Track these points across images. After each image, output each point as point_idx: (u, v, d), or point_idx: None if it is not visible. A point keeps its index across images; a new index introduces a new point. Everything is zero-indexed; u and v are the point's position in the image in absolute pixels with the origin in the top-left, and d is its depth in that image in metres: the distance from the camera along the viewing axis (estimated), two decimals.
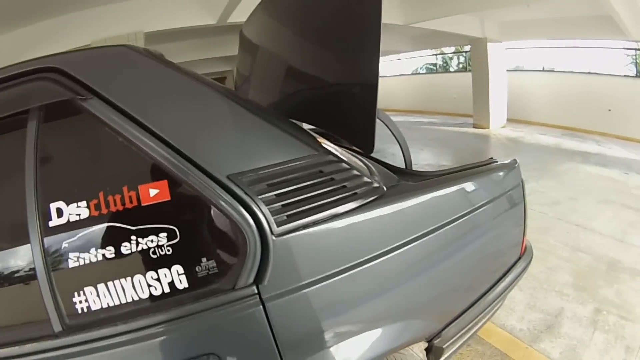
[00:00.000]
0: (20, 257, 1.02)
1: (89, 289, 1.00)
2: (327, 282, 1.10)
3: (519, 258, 1.83)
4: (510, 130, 10.31)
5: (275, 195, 1.08)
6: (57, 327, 0.99)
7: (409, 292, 1.31)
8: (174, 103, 1.17)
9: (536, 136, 9.22)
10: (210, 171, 1.05)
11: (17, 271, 1.03)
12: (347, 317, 1.17)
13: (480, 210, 1.54)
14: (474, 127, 10.97)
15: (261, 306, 1.04)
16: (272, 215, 1.05)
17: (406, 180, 1.55)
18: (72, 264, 1.00)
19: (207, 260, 1.04)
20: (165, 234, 1.02)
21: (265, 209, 1.05)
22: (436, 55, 16.94)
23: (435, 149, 8.67)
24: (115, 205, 1.02)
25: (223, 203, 1.03)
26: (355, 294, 1.17)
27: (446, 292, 1.48)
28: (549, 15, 9.09)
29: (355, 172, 1.24)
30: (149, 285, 1.01)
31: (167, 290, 1.02)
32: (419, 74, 16.83)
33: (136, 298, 1.01)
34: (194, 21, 6.64)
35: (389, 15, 8.69)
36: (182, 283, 1.02)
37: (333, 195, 1.15)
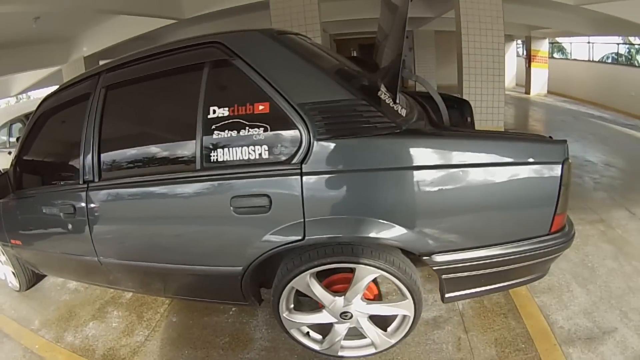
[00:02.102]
0: (189, 128, 2.08)
1: (221, 150, 2.03)
2: (342, 174, 1.93)
3: (547, 234, 1.99)
4: None
5: (322, 117, 1.90)
6: (198, 166, 2.06)
7: (401, 202, 1.92)
8: (278, 66, 2.01)
9: None
10: (289, 100, 1.93)
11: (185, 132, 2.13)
12: (343, 202, 1.94)
13: (479, 168, 1.89)
14: None
15: (299, 176, 1.90)
16: (317, 128, 1.89)
17: (432, 130, 2.15)
18: (215, 135, 2.03)
19: (281, 146, 1.95)
20: (262, 129, 1.96)
21: (313, 123, 1.90)
22: (624, 44, 14.84)
23: (589, 144, 8.11)
24: (242, 111, 1.99)
25: (293, 117, 1.92)
26: (356, 187, 1.94)
27: (432, 217, 1.97)
28: None
29: (379, 114, 1.90)
30: (249, 153, 1.98)
31: (257, 157, 1.97)
32: (605, 62, 15.02)
33: (245, 157, 1.99)
34: None
35: None
36: (264, 154, 1.97)
37: (359, 124, 1.89)
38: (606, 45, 14.76)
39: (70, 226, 2.56)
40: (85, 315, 3.21)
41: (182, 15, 8.41)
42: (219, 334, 2.80)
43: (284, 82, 1.96)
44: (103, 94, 2.38)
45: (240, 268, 2.12)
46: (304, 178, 1.90)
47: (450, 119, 3.39)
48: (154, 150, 2.26)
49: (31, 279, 3.65)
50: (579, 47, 15.86)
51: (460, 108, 3.57)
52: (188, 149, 2.09)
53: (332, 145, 1.90)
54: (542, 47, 15.78)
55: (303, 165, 1.90)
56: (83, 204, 2.41)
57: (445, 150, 1.88)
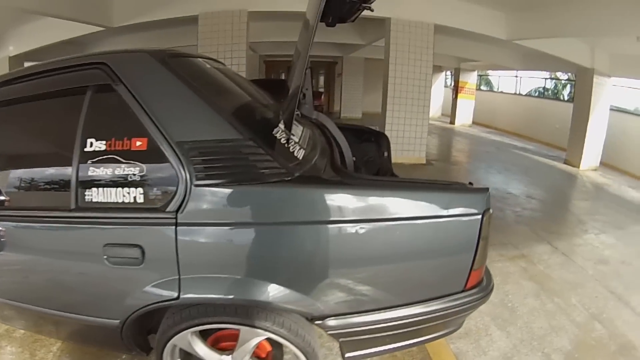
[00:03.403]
0: (66, 162, 1.78)
1: (96, 189, 1.74)
2: (219, 227, 1.69)
3: (462, 291, 1.83)
4: (600, 174, 9.56)
5: (202, 159, 1.65)
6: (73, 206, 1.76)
7: (285, 261, 1.73)
8: (161, 96, 1.77)
9: (624, 188, 8.47)
10: (167, 137, 1.67)
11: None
12: (221, 259, 1.71)
13: (380, 223, 1.70)
14: (564, 163, 10.34)
15: (174, 226, 1.65)
16: (195, 172, 1.64)
17: (337, 178, 1.90)
18: (90, 172, 1.73)
19: (157, 190, 1.69)
20: (138, 169, 1.69)
21: (191, 167, 1.64)
22: (551, 79, 15.91)
23: (511, 176, 8.47)
24: (118, 146, 1.71)
25: (170, 158, 1.66)
26: (235, 244, 1.72)
27: (323, 278, 1.74)
28: None
29: (268, 157, 1.68)
30: (123, 195, 1.70)
31: (131, 200, 1.70)
32: (531, 96, 15.97)
33: (119, 201, 1.71)
34: (295, 6, 7.06)
35: (492, 28, 8.59)
36: (139, 198, 1.69)
37: (243, 170, 1.66)
38: (533, 79, 15.74)
39: None
40: None
41: (110, 23, 8.06)
42: None
43: (164, 115, 1.72)
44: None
45: (118, 321, 1.88)
46: (179, 229, 1.67)
47: (367, 153, 3.34)
48: (31, 182, 1.98)
49: None
50: (506, 80, 16.81)
51: (377, 141, 3.46)
52: (64, 185, 1.81)
53: (211, 193, 1.66)
54: (471, 79, 16.77)
55: (179, 215, 1.66)
56: None
57: (340, 203, 1.68)
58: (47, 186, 1.93)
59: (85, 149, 1.75)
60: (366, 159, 3.35)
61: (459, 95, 16.68)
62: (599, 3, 6.51)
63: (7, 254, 2.00)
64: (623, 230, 5.78)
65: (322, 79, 20.44)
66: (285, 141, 1.84)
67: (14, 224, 1.95)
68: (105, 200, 1.72)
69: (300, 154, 1.89)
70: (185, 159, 1.65)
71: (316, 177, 1.82)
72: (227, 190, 1.65)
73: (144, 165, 1.69)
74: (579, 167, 9.87)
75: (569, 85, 15.14)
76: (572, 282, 3.95)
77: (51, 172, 1.93)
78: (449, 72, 18.90)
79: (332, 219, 1.66)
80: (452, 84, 17.49)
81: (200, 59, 2.34)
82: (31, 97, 2.00)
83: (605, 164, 10.24)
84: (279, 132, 1.83)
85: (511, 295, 3.56)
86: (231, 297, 1.74)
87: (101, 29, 8.09)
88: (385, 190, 1.74)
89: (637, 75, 9.70)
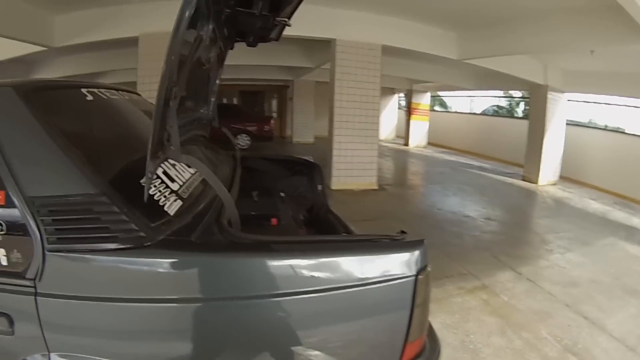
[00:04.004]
0: None
1: None
2: (78, 301, 1.38)
3: None
4: (560, 188, 9.52)
5: (52, 219, 1.38)
6: None
7: (135, 346, 1.44)
8: (17, 141, 1.49)
9: (585, 200, 8.39)
10: (21, 191, 1.41)
11: None
12: (80, 337, 1.43)
13: (268, 300, 1.40)
14: (522, 180, 10.31)
15: (34, 296, 1.39)
16: (47, 234, 1.37)
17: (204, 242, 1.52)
18: None
19: (17, 252, 1.44)
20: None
21: (42, 228, 1.37)
22: (504, 98, 16.21)
23: (468, 197, 8.18)
24: None
25: (26, 215, 1.39)
26: (92, 322, 1.41)
27: None
28: (620, 68, 8.33)
29: (123, 217, 1.38)
30: None
31: None
32: (486, 114, 16.16)
33: None
34: None
35: (442, 49, 8.51)
36: (3, 260, 1.45)
37: (95, 233, 1.37)
38: (487, 98, 15.98)
39: None
40: None
41: (52, 43, 7.76)
42: None
43: (17, 162, 1.47)
44: None
45: None
46: (39, 300, 1.42)
47: (298, 187, 3.10)
48: None
49: None
50: (460, 100, 17.03)
51: (309, 174, 3.15)
52: None
53: (63, 260, 1.41)
54: (424, 100, 17.04)
55: (37, 283, 1.42)
56: None
57: (210, 276, 1.41)
58: None
59: None
60: (297, 194, 3.09)
61: (412, 116, 16.80)
62: (548, 19, 6.52)
63: None
64: (589, 245, 5.55)
65: (274, 103, 20.52)
66: (157, 192, 1.61)
67: None
68: None
69: (174, 207, 1.63)
70: (36, 218, 1.41)
71: (181, 243, 1.47)
72: (78, 258, 1.41)
73: (4, 224, 1.48)
74: (537, 182, 9.86)
75: (522, 103, 15.41)
76: (540, 311, 3.61)
77: None
78: (402, 94, 18.96)
79: (189, 296, 1.40)
80: (405, 106, 17.58)
81: (84, 90, 2.03)
82: None
83: (565, 178, 10.28)
84: (150, 180, 1.50)
85: (473, 335, 3.14)
86: None
87: (43, 48, 7.85)
88: (270, 258, 1.43)
89: (590, 89, 10.02)
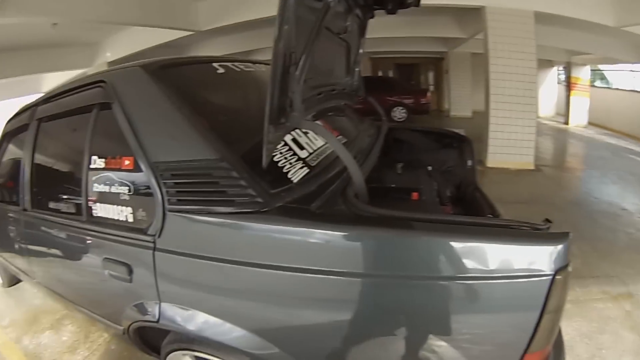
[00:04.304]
0: (81, 176, 1.89)
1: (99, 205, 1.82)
2: (191, 259, 1.49)
3: None
4: None
5: (174, 182, 1.51)
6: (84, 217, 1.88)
7: (243, 307, 1.47)
8: (144, 112, 1.67)
9: None
10: (147, 156, 1.58)
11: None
12: (189, 292, 1.58)
13: (388, 280, 1.28)
14: None
15: (152, 251, 1.57)
16: (168, 196, 1.51)
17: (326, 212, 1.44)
18: (94, 188, 1.82)
19: (142, 211, 1.64)
20: (127, 188, 1.69)
21: (164, 190, 1.52)
22: None
23: (628, 187, 7.09)
24: (113, 164, 1.74)
25: (150, 178, 1.56)
26: (203, 279, 1.52)
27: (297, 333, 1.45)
28: None
29: (242, 182, 1.41)
30: (118, 213, 1.73)
31: (124, 219, 1.71)
32: None
33: (115, 218, 1.74)
34: None
35: (596, 13, 7.42)
36: (129, 217, 1.69)
37: (212, 196, 1.45)
38: None
39: (14, 243, 2.67)
40: (45, 322, 3.40)
41: (198, 27, 8.44)
42: None
43: (144, 130, 1.64)
44: (35, 126, 2.40)
45: (122, 328, 1.93)
46: (157, 254, 1.58)
47: (446, 161, 2.89)
48: (60, 191, 2.22)
49: (12, 278, 3.88)
50: (621, 75, 14.95)
51: (459, 148, 2.92)
52: (79, 197, 1.93)
53: (182, 220, 1.51)
54: (583, 74, 14.83)
55: (157, 239, 1.56)
56: (19, 228, 2.51)
57: (323, 248, 1.30)
58: (67, 197, 2.11)
59: (91, 166, 1.84)
60: (445, 169, 2.87)
61: (572, 92, 14.84)
62: None
63: (42, 249, 2.41)
64: None
65: (430, 75, 19.55)
66: (282, 159, 1.63)
67: (51, 226, 2.18)
68: (106, 216, 1.79)
69: (298, 175, 1.63)
70: (160, 181, 1.55)
71: (301, 210, 1.42)
72: (195, 219, 1.49)
73: (132, 185, 1.68)
74: None
75: None
76: None
77: (70, 184, 2.06)
78: (561, 67, 17.18)
79: (304, 266, 1.32)
80: (565, 80, 15.78)
81: (215, 64, 2.14)
82: (62, 113, 2.21)
83: None
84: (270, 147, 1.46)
85: (605, 351, 2.78)
86: (203, 335, 1.57)
87: (190, 33, 8.48)
88: (399, 233, 1.28)
89: None
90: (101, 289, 1.98)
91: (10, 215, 2.64)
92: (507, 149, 7.82)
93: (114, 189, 1.74)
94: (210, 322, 1.52)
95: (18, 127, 2.76)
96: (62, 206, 2.13)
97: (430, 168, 2.69)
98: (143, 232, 1.61)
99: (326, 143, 1.94)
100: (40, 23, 7.40)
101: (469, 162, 2.84)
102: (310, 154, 1.79)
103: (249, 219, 1.38)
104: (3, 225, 2.78)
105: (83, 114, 1.93)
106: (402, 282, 1.25)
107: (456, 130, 3.17)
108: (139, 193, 1.66)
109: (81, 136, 1.91)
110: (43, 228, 2.29)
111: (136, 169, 1.63)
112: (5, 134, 3.04)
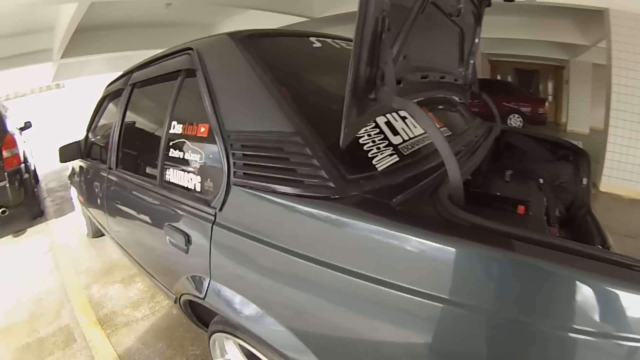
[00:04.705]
0: (159, 140, 1.90)
1: (172, 170, 1.81)
2: (246, 239, 1.35)
3: None
4: None
5: (243, 154, 1.41)
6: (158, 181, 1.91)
7: (291, 303, 1.26)
8: (225, 80, 1.61)
9: None
10: (220, 125, 1.51)
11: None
12: (240, 275, 1.42)
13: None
14: None
15: (211, 224, 1.48)
16: (235, 168, 1.41)
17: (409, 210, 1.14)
18: (170, 153, 1.82)
19: (210, 181, 1.58)
20: (199, 156, 1.64)
21: (232, 161, 1.43)
22: None
23: None
24: (190, 130, 1.71)
25: (220, 148, 1.48)
26: (255, 264, 1.35)
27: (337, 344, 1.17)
28: None
29: (314, 162, 1.24)
30: (187, 180, 1.70)
31: (192, 187, 1.67)
32: None
33: (184, 185, 1.72)
34: None
35: None
36: (197, 186, 1.64)
37: (280, 173, 1.29)
38: None
39: (98, 199, 2.84)
40: (117, 276, 3.59)
41: (312, 14, 8.52)
42: (196, 344, 2.66)
43: (223, 99, 1.57)
44: (128, 91, 2.50)
45: (174, 296, 1.94)
46: (215, 229, 1.48)
47: (559, 175, 2.52)
48: (141, 153, 2.31)
49: (97, 230, 4.20)
50: None
51: (575, 162, 2.51)
52: (156, 160, 1.95)
53: (244, 195, 1.39)
54: None
55: (218, 213, 1.47)
56: (103, 185, 2.65)
57: (412, 260, 0.98)
58: (146, 159, 2.18)
59: (170, 131, 1.85)
60: (558, 184, 2.50)
61: None
62: None
63: (120, 207, 2.48)
64: None
65: (550, 84, 17.87)
66: (369, 142, 1.41)
67: (130, 186, 2.25)
68: (176, 182, 1.77)
69: (385, 162, 1.37)
70: (230, 151, 1.46)
71: (377, 204, 1.16)
72: (258, 197, 1.34)
73: (203, 154, 1.63)
74: None
75: None
76: None
77: (150, 148, 2.07)
78: None
79: (375, 275, 1.03)
80: None
81: (313, 39, 2.04)
82: (153, 79, 2.26)
83: None
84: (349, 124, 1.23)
85: None
86: (242, 323, 1.42)
87: (305, 19, 8.59)
88: (498, 251, 0.91)
89: None
90: (161, 254, 1.98)
91: (99, 173, 2.80)
92: (624, 173, 6.82)
93: (187, 156, 1.72)
94: (253, 311, 1.37)
95: (114, 91, 2.89)
96: (141, 168, 2.20)
97: (541, 180, 2.34)
98: (207, 203, 1.53)
99: (425, 132, 1.68)
100: (155, 3, 7.82)
101: (585, 180, 2.44)
102: (405, 141, 1.55)
103: (315, 205, 1.18)
104: (92, 182, 2.97)
105: (170, 80, 1.96)
106: (531, 328, 0.86)
107: (574, 142, 2.72)
108: (210, 163, 1.60)
109: (166, 102, 1.93)
110: (122, 187, 2.37)
111: (210, 137, 1.57)
112: (103, 98, 3.21)
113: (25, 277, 3.78)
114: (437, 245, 0.94)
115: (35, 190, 5.94)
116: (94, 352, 2.62)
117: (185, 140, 1.72)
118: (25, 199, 5.22)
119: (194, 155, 1.67)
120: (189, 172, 1.70)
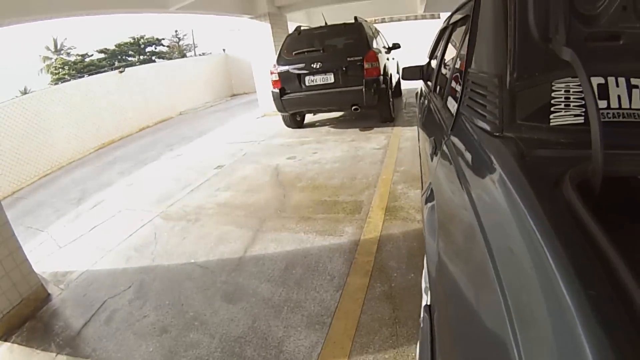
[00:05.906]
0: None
1: None
2: (448, 164, 1.50)
3: None
4: None
5: (469, 89, 1.56)
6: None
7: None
8: (483, 23, 1.56)
9: None
10: (467, 63, 1.63)
11: None
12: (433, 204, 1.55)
13: None
14: None
15: (441, 145, 1.71)
16: (462, 99, 1.62)
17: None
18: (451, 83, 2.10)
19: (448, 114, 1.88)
20: (457, 88, 1.83)
21: (462, 92, 1.65)
22: None
23: None
24: (460, 66, 1.87)
25: (460, 80, 1.71)
26: (443, 198, 1.46)
27: None
28: None
29: (496, 100, 1.26)
30: (452, 106, 1.84)
31: (452, 111, 1.79)
32: None
33: (450, 109, 1.90)
34: None
35: None
36: (452, 111, 1.77)
37: (479, 108, 1.40)
38: None
39: (419, 116, 3.33)
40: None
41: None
42: None
43: (474, 40, 1.64)
44: (450, 29, 2.71)
45: None
46: (438, 152, 1.71)
47: None
48: (443, 80, 2.50)
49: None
50: None
51: None
52: (445, 86, 2.19)
53: (459, 123, 1.56)
54: None
55: (445, 137, 1.67)
56: (424, 105, 3.06)
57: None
58: (443, 85, 2.38)
59: (455, 66, 2.06)
60: None
61: None
62: None
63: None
64: None
65: None
66: (560, 97, 1.22)
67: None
68: (448, 107, 1.97)
69: (561, 120, 1.19)
70: (464, 85, 1.63)
71: (513, 146, 1.14)
72: (464, 126, 1.48)
73: (458, 87, 1.77)
74: None
75: None
76: None
77: (446, 76, 2.36)
78: None
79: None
80: None
81: None
82: (454, 23, 2.51)
83: None
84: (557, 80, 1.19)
85: None
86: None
87: None
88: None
89: None
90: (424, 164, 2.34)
91: (426, 95, 3.22)
92: None
93: (453, 85, 1.98)
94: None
95: (444, 27, 3.17)
96: (441, 92, 2.43)
97: None
98: (448, 128, 1.73)
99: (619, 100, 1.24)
100: None
101: None
102: (610, 108, 1.19)
103: (480, 138, 1.27)
104: (422, 102, 3.42)
105: (462, 26, 2.14)
106: None
107: None
108: (459, 94, 1.74)
109: (458, 42, 2.17)
110: (429, 110, 2.67)
111: (461, 75, 1.75)
112: (441, 29, 3.41)
113: (357, 160, 5.07)
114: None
115: (391, 100, 6.90)
116: (365, 224, 3.27)
117: (457, 74, 1.93)
118: (379, 104, 6.28)
119: (457, 86, 1.86)
120: (453, 99, 1.88)
